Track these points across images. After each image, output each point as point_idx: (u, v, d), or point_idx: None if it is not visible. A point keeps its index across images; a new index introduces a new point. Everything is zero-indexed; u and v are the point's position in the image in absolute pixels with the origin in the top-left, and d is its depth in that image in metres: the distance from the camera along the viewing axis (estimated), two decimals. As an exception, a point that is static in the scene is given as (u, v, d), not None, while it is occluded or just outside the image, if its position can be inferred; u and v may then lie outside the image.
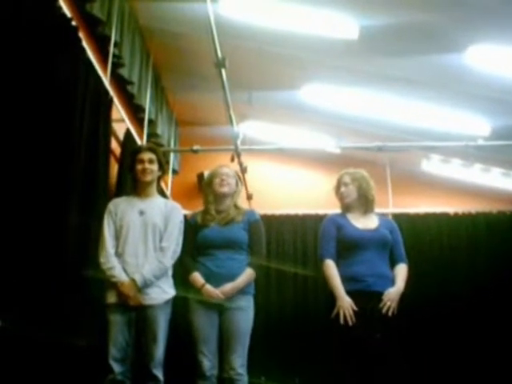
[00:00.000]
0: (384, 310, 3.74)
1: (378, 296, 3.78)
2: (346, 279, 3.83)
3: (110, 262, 3.69)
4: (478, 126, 6.50)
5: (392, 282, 3.88)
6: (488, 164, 7.44)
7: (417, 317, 6.16)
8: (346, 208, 4.14)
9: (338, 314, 3.72)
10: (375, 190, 4.16)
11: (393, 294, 3.81)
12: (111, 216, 3.86)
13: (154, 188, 4.04)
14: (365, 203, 4.10)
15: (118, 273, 3.66)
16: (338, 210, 4.22)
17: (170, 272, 3.88)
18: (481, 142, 6.10)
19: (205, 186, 4.29)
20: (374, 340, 3.65)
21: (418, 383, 5.79)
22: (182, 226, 3.95)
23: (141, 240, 3.78)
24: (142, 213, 3.85)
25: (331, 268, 3.90)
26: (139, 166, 3.94)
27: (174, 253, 3.83)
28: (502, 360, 6.24)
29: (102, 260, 3.71)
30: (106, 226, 3.81)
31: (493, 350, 6.34)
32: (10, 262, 3.10)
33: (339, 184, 4.17)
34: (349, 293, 3.77)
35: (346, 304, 3.73)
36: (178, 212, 4.01)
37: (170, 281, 3.87)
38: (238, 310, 3.87)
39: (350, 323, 3.67)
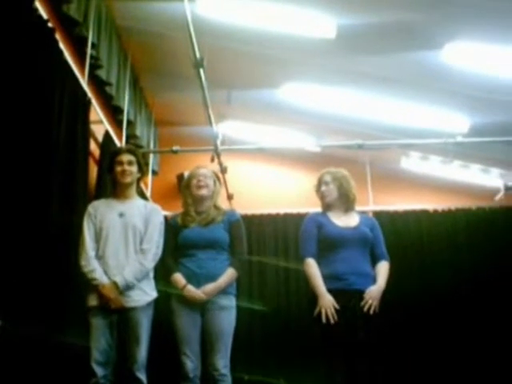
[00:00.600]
0: (365, 309, 3.75)
1: (360, 294, 3.79)
2: (327, 278, 3.83)
3: (91, 264, 3.66)
4: (457, 122, 6.55)
5: (373, 280, 3.90)
6: (467, 161, 7.50)
7: (399, 314, 6.19)
8: (327, 207, 4.15)
9: (319, 313, 3.72)
10: (356, 189, 4.17)
11: (374, 291, 3.82)
12: (91, 219, 3.83)
13: (133, 190, 4.02)
14: (346, 202, 4.11)
15: (99, 275, 3.64)
16: (319, 209, 4.23)
17: (151, 274, 3.86)
18: (460, 139, 6.13)
19: (183, 189, 4.27)
20: (356, 338, 3.66)
21: (401, 381, 5.83)
22: (162, 228, 3.94)
23: (121, 242, 3.76)
24: (121, 215, 3.83)
25: (312, 267, 3.90)
26: (118, 168, 3.91)
27: (155, 255, 3.82)
28: (486, 356, 6.28)
29: (82, 263, 3.68)
30: (85, 229, 3.78)
31: (476, 347, 6.37)
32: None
33: (320, 183, 4.18)
34: (330, 291, 3.77)
35: (327, 302, 3.73)
36: (158, 214, 3.99)
37: (152, 283, 3.86)
38: (221, 310, 3.87)
39: (332, 321, 3.67)
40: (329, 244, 3.94)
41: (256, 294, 7.04)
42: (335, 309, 3.71)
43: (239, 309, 4.01)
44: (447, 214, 7.38)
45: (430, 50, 5.43)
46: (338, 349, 3.64)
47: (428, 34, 5.26)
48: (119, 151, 4.06)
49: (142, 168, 4.07)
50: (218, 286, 3.85)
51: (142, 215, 3.88)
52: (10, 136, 3.33)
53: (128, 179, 3.92)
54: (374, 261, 4.02)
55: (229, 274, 3.92)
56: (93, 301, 3.65)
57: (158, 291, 3.88)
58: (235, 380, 3.91)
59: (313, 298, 3.82)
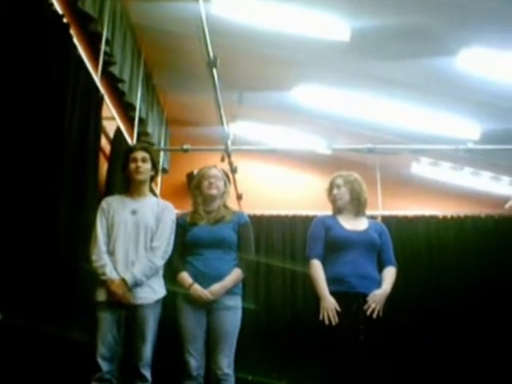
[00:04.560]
0: (368, 312, 3.74)
1: (364, 297, 3.79)
2: (330, 280, 3.84)
3: (102, 259, 3.67)
4: (468, 129, 6.53)
5: (379, 284, 3.88)
6: (478, 168, 7.47)
7: (405, 319, 6.18)
8: (338, 210, 4.14)
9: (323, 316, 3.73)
10: (367, 193, 4.16)
11: (378, 295, 3.81)
12: (104, 214, 3.84)
13: (146, 187, 4.02)
14: (357, 206, 4.11)
15: (109, 271, 3.64)
16: (328, 212, 4.23)
17: (161, 272, 3.87)
18: (471, 146, 6.11)
19: (193, 188, 4.27)
20: (357, 341, 3.65)
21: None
22: (173, 226, 3.94)
23: (132, 239, 3.76)
24: (134, 212, 3.84)
25: (316, 268, 3.91)
26: (132, 165, 3.91)
27: (165, 253, 3.82)
28: (492, 361, 6.26)
29: (94, 258, 3.69)
30: (98, 224, 3.78)
31: (481, 352, 6.35)
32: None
33: (332, 186, 4.17)
34: (333, 294, 3.78)
35: (329, 305, 3.74)
36: (170, 212, 3.99)
37: (161, 281, 3.86)
38: (226, 309, 3.87)
39: (334, 323, 3.67)
40: (335, 246, 3.94)
41: (262, 294, 7.05)
42: (337, 311, 3.70)
43: (244, 309, 4.02)
44: (456, 221, 7.38)
45: (444, 56, 5.40)
46: (339, 351, 3.64)
47: (442, 40, 5.24)
48: (134, 148, 4.06)
49: (156, 166, 4.07)
50: (225, 285, 3.85)
51: (154, 213, 3.88)
52: (21, 131, 3.34)
53: (142, 176, 3.92)
54: (382, 266, 4.00)
55: (235, 274, 3.92)
56: (101, 296, 3.65)
57: (165, 290, 3.88)
58: (239, 380, 3.91)
59: (317, 299, 3.82)
